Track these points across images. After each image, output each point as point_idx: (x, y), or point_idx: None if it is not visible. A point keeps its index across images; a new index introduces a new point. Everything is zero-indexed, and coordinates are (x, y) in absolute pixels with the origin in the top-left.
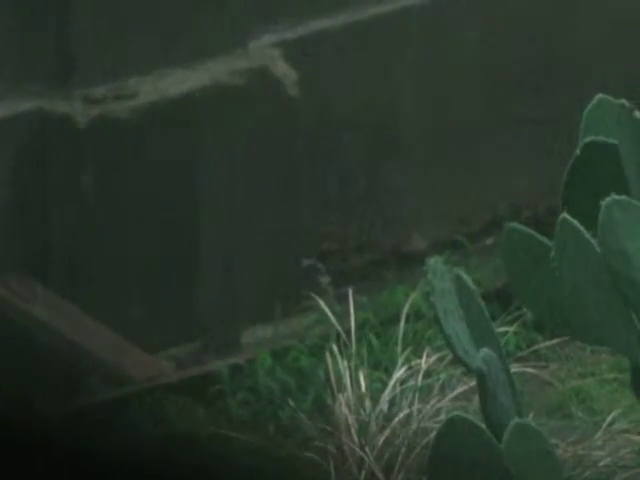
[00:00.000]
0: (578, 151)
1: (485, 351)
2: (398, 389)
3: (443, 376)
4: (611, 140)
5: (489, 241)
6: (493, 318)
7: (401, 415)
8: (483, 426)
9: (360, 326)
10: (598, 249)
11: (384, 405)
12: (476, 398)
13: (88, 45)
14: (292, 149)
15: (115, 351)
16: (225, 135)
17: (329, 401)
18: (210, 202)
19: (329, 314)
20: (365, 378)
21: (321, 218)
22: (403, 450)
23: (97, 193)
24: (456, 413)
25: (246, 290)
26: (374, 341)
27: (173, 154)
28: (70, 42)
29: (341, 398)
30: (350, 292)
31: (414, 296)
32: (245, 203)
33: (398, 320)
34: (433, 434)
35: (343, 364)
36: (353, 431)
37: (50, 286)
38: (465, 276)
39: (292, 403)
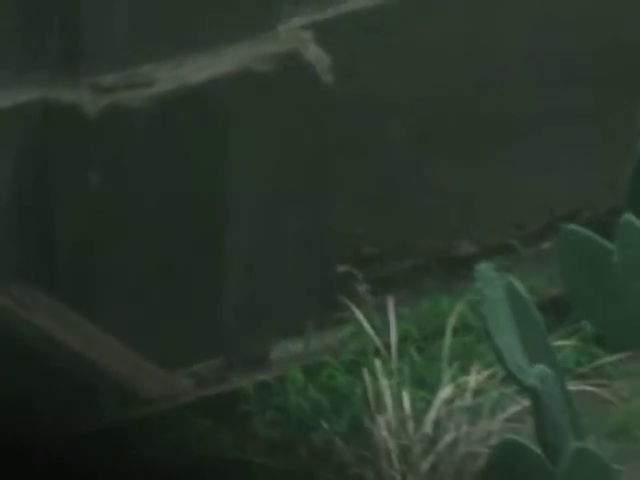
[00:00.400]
0: None
1: (540, 367)
2: (444, 410)
3: (494, 395)
4: None
5: (545, 245)
6: (549, 330)
7: (447, 439)
8: (538, 450)
9: (401, 340)
10: None
11: (428, 427)
12: (530, 419)
13: (97, 28)
14: (325, 141)
15: (129, 367)
16: (252, 126)
17: (367, 423)
18: (234, 201)
19: (367, 326)
20: (407, 397)
21: (357, 218)
22: (449, 478)
23: (107, 192)
24: (508, 436)
25: (275, 300)
26: (417, 356)
27: (193, 148)
28: (78, 25)
29: (380, 420)
30: (390, 302)
31: (461, 306)
32: (273, 202)
33: (443, 333)
34: (482, 459)
35: (383, 382)
36: (394, 457)
37: (56, 296)
38: (518, 283)
39: (326, 425)
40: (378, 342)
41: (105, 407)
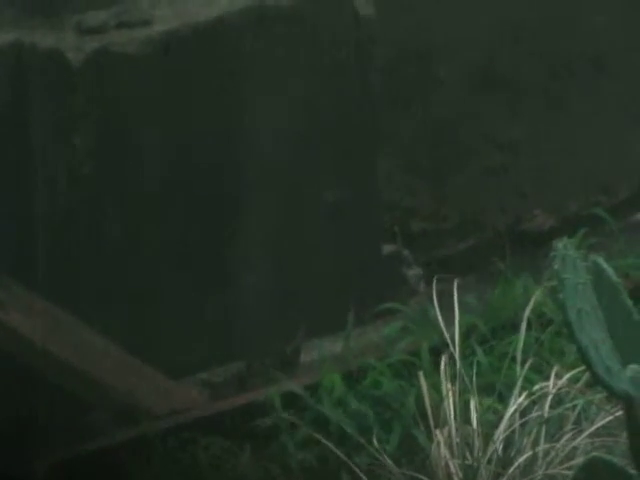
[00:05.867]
0: None
1: (634, 369)
2: (517, 423)
3: (578, 404)
4: None
5: (639, 216)
6: None
7: (522, 459)
8: (634, 472)
9: (465, 336)
10: None
11: (499, 445)
12: (623, 433)
13: None
14: (364, 91)
15: (128, 377)
16: (272, 73)
17: (423, 440)
18: (253, 166)
19: (420, 320)
20: (473, 408)
21: (406, 186)
22: None
23: (96, 157)
24: (596, 454)
25: (305, 289)
26: (484, 357)
27: (199, 101)
28: None
29: (439, 436)
30: (454, 288)
31: (537, 293)
32: (300, 166)
33: (517, 327)
34: None
35: (442, 389)
36: None
37: (40, 292)
38: (606, 265)
39: (372, 443)
40: (435, 339)
41: (101, 425)
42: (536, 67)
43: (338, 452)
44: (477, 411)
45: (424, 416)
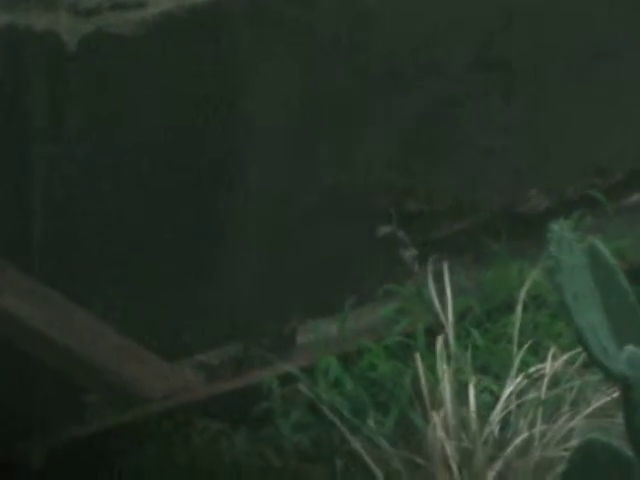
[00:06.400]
0: None
1: (631, 350)
2: (514, 404)
3: (575, 385)
4: None
5: (635, 197)
6: None
7: (518, 440)
8: (630, 453)
9: (460, 318)
10: None
11: (495, 427)
12: (620, 414)
13: None
14: (360, 73)
15: (122, 359)
16: (269, 54)
17: (419, 422)
18: (249, 150)
19: (416, 301)
20: (469, 389)
21: (401, 166)
22: None
23: (92, 141)
24: (593, 435)
25: (300, 271)
26: (480, 338)
27: (196, 84)
28: None
29: (436, 418)
30: (445, 270)
31: (533, 275)
32: (295, 146)
33: (513, 308)
34: (562, 465)
35: (438, 370)
36: (453, 463)
37: (33, 273)
38: (603, 246)
39: (368, 426)
40: (431, 321)
41: (94, 408)
42: (533, 50)
43: (333, 434)
44: (473, 393)
45: (420, 398)
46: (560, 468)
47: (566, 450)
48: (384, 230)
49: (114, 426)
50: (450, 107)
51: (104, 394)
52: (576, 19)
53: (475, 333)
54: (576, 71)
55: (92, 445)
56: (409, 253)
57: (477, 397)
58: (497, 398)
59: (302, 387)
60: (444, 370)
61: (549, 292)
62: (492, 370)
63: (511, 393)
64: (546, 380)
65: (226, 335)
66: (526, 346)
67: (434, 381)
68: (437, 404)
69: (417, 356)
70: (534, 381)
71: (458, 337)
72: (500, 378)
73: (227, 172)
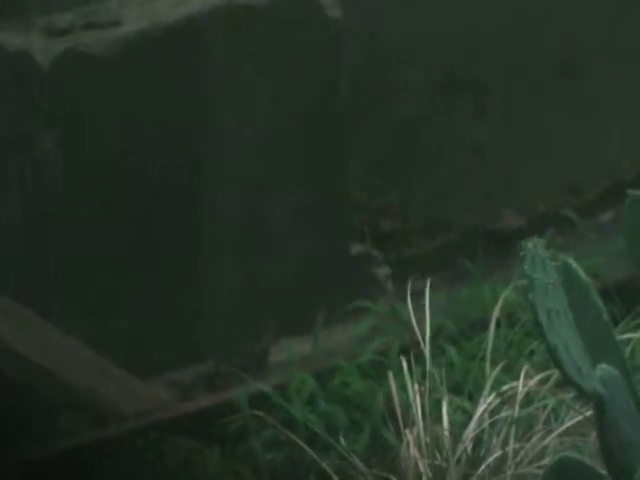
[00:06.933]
0: None
1: (604, 368)
2: (487, 422)
3: (548, 404)
4: None
5: (607, 216)
6: (615, 322)
7: (491, 459)
8: (603, 472)
9: (434, 336)
10: None
11: (468, 445)
12: (593, 433)
13: None
14: (334, 92)
15: (96, 377)
16: (241, 74)
17: (392, 440)
18: (221, 167)
19: (389, 320)
20: (442, 408)
21: (375, 186)
22: None
23: (64, 160)
24: (566, 454)
25: (274, 289)
26: (454, 356)
27: (168, 103)
28: None
29: (409, 436)
30: (421, 289)
31: (506, 293)
32: (268, 165)
33: (486, 327)
34: None
35: (411, 389)
36: None
37: (7, 293)
38: (576, 265)
39: (341, 444)
40: (405, 339)
41: (67, 426)
42: (503, 69)
43: (307, 452)
44: (447, 411)
45: (393, 416)
46: None
47: (539, 468)
48: (357, 248)
49: (87, 443)
50: (423, 126)
51: (77, 412)
52: (546, 38)
53: (449, 351)
54: (547, 90)
55: (66, 462)
56: (382, 271)
57: (450, 415)
58: (470, 416)
59: (275, 405)
60: (416, 389)
61: (522, 310)
62: (466, 389)
63: (484, 411)
64: (519, 398)
65: (199, 353)
66: (500, 365)
67: (407, 399)
68: (410, 422)
69: (390, 374)
70: (507, 399)
71: (433, 356)
72: (473, 396)
73: (198, 191)
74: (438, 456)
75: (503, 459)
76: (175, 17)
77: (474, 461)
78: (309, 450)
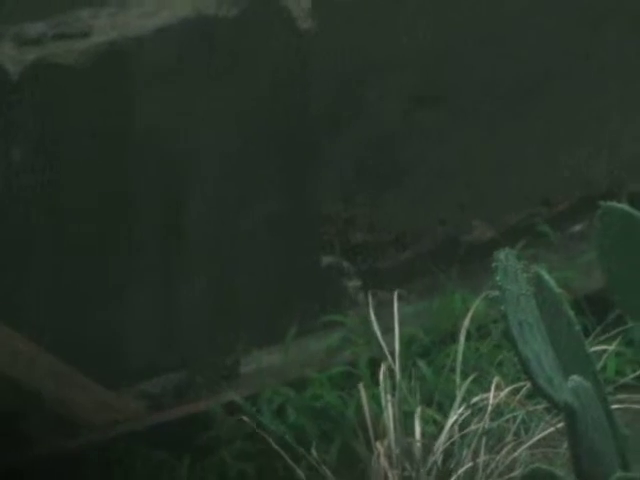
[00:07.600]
0: None
1: (575, 379)
2: (457, 434)
3: (518, 415)
4: None
5: (579, 227)
6: (586, 333)
7: (462, 470)
8: None
9: (405, 347)
10: None
11: (438, 456)
12: (564, 444)
13: None
14: (304, 105)
15: (66, 387)
16: (211, 85)
17: (363, 451)
18: (193, 179)
19: (360, 332)
20: (413, 419)
21: (345, 199)
22: None
23: (33, 170)
24: (537, 465)
25: (245, 301)
26: (424, 368)
27: (139, 113)
28: None
29: (379, 447)
30: (394, 300)
31: (477, 304)
32: (241, 179)
33: (456, 338)
34: None
35: (382, 400)
36: None
37: None
38: (548, 276)
39: (312, 455)
40: (375, 351)
41: (34, 436)
42: (471, 85)
43: (277, 463)
44: (417, 422)
45: (364, 427)
46: None
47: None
48: (328, 260)
49: (55, 454)
50: (391, 139)
51: (45, 421)
52: (513, 54)
53: (420, 363)
54: (518, 103)
55: (33, 473)
56: (353, 283)
57: (421, 427)
58: (441, 428)
59: (246, 416)
60: (387, 400)
61: (493, 322)
62: (436, 400)
63: (454, 423)
64: (489, 410)
65: (169, 364)
66: (471, 376)
67: (378, 411)
68: (380, 434)
69: (361, 386)
70: (478, 411)
71: (403, 367)
72: (444, 408)
73: (169, 203)
74: (408, 467)
75: (474, 471)
76: (144, 28)
77: (445, 473)
78: (280, 461)
